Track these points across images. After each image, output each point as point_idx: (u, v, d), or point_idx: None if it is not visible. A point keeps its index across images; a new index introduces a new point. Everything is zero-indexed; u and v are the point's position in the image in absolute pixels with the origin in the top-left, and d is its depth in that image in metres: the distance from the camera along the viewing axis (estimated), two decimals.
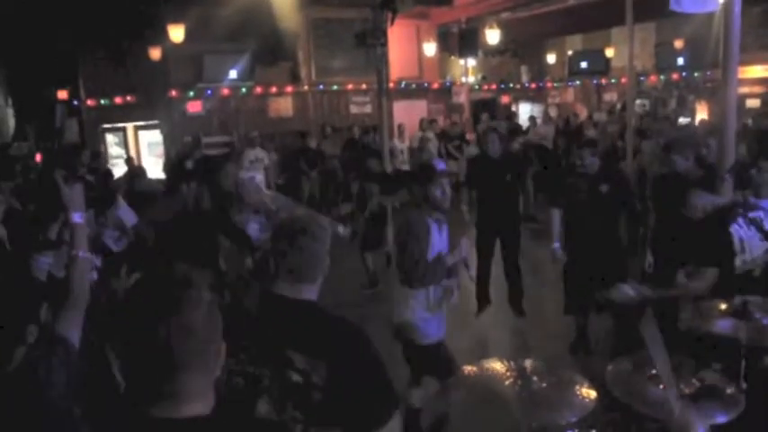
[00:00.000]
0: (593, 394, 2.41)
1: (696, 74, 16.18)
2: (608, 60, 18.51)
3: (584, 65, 19.04)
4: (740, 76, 13.67)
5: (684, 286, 3.69)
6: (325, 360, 1.94)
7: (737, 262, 3.80)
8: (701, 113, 15.24)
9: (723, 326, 3.05)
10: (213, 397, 1.43)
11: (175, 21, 11.85)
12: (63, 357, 2.19)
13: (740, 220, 3.98)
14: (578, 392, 2.41)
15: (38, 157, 7.93)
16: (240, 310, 2.19)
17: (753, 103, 14.18)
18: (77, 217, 2.60)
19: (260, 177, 6.09)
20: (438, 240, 3.94)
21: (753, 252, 3.93)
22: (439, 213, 3.98)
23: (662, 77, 17.63)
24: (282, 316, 2.07)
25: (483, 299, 6.59)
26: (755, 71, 14.38)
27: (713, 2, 4.24)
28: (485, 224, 6.52)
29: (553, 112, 20.07)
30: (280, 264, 2.11)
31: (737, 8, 3.97)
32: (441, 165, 4.19)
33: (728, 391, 2.69)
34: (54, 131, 14.58)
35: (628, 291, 3.73)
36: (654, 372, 2.79)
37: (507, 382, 2.39)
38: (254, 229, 5.47)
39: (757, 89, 14.48)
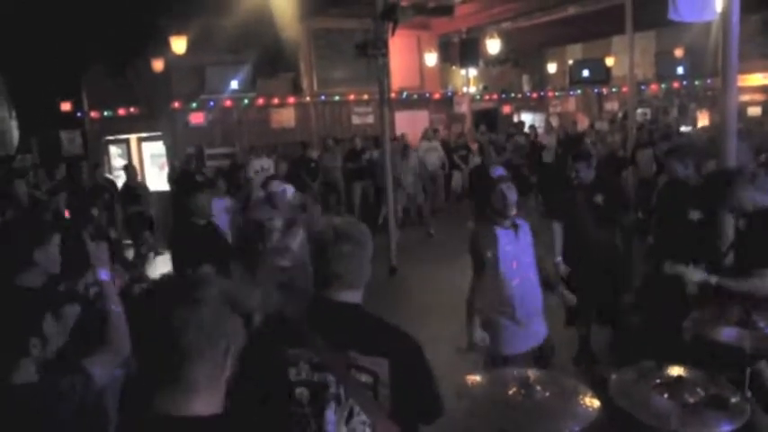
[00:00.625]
0: (596, 404, 2.40)
1: (697, 82, 16.22)
2: (608, 69, 18.56)
3: (584, 74, 19.10)
4: (740, 84, 13.72)
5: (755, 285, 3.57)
6: (387, 357, 1.96)
7: None
8: (703, 121, 15.26)
9: (728, 335, 3.04)
10: (222, 394, 1.48)
11: (178, 32, 11.91)
12: (78, 387, 2.22)
13: None
14: (582, 402, 2.41)
15: (66, 213, 7.91)
16: (285, 319, 2.19)
17: (754, 111, 14.20)
18: (104, 275, 2.73)
19: (291, 190, 6.10)
20: (513, 248, 3.86)
21: None
22: (511, 220, 3.89)
23: (663, 86, 17.66)
24: (336, 320, 2.07)
25: None
26: (756, 79, 14.40)
27: (711, 11, 4.25)
28: None
29: (555, 122, 20.15)
30: (325, 271, 2.12)
31: (735, 17, 3.98)
32: (498, 170, 4.05)
33: (733, 400, 2.69)
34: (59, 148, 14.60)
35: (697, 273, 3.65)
36: (658, 381, 2.80)
37: (511, 392, 2.39)
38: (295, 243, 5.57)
39: (758, 97, 14.50)
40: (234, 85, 13.96)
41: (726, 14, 4.04)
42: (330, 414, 1.93)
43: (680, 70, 16.77)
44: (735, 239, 3.98)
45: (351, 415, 1.93)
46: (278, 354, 2.00)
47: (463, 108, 17.77)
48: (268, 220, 5.82)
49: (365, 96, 15.31)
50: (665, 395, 2.69)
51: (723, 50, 4.16)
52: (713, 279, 3.51)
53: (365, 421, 1.95)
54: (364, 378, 1.96)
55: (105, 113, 14.34)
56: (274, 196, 5.90)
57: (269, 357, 2.00)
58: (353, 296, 2.14)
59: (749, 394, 2.98)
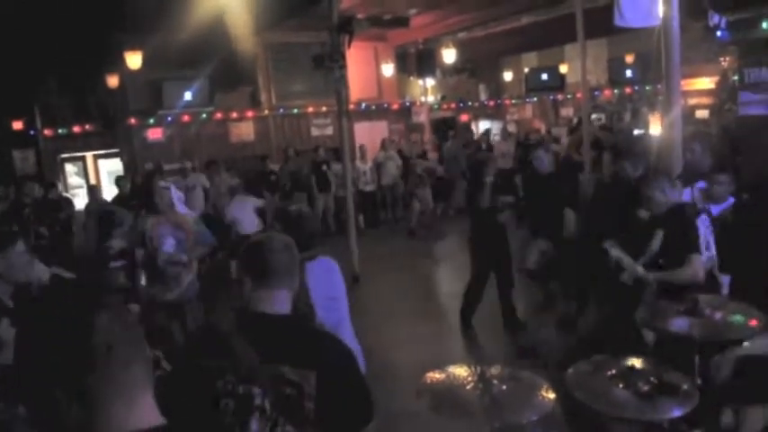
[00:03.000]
0: (552, 396, 2.48)
1: (647, 87, 16.66)
2: (563, 77, 18.94)
3: (540, 81, 19.47)
4: (688, 87, 14.19)
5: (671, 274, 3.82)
6: (314, 369, 2.00)
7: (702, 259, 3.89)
8: (655, 125, 15.65)
9: (678, 324, 3.16)
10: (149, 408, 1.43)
11: (132, 48, 11.81)
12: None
13: (703, 217, 4.08)
14: (538, 394, 2.49)
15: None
16: (217, 331, 2.21)
17: (702, 114, 14.63)
18: None
19: (179, 194, 5.89)
20: None
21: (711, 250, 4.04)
22: None
23: (615, 91, 18.10)
24: (265, 331, 2.10)
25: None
26: (703, 83, 14.85)
27: (654, 17, 4.42)
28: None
29: (512, 129, 20.48)
30: (249, 276, 2.16)
31: (675, 23, 4.16)
32: None
33: (684, 387, 2.80)
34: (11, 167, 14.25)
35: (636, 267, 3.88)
36: (613, 372, 2.89)
37: (469, 387, 2.46)
38: (170, 244, 5.30)
39: (705, 100, 14.95)
40: (191, 99, 13.89)
41: (666, 20, 4.21)
42: (254, 426, 1.98)
43: (631, 75, 17.21)
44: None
45: (275, 425, 1.98)
46: (206, 366, 2.03)
47: (422, 118, 17.93)
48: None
49: (324, 108, 15.36)
50: (620, 385, 2.79)
51: (665, 55, 4.34)
52: (650, 276, 3.75)
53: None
54: (289, 390, 2.00)
55: (60, 131, 14.09)
56: (157, 193, 5.52)
57: (197, 369, 2.01)
58: (281, 307, 2.16)
59: (699, 381, 3.10)
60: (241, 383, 1.98)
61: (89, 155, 14.88)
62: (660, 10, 4.35)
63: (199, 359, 2.01)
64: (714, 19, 6.11)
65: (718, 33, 6.66)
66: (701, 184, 4.59)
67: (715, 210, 4.44)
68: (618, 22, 4.35)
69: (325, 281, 3.11)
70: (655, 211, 3.97)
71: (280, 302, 2.16)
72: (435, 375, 2.60)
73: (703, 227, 3.99)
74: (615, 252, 3.81)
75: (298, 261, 2.23)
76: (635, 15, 4.32)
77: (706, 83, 14.78)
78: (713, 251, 4.01)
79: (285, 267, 2.17)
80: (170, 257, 5.24)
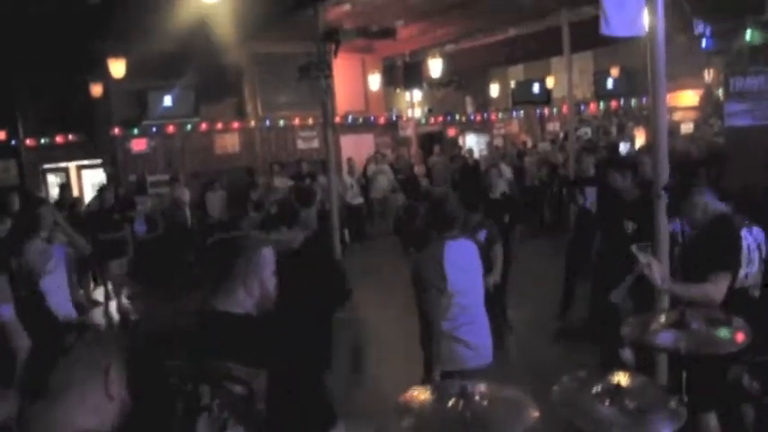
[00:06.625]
0: (535, 413, 2.40)
1: (633, 101, 16.74)
2: (549, 90, 19.01)
3: (526, 95, 19.52)
4: (673, 103, 14.28)
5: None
6: (264, 369, 1.97)
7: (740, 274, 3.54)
8: (640, 139, 15.73)
9: (664, 338, 3.07)
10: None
11: (116, 55, 11.67)
12: None
13: (754, 230, 3.63)
14: (521, 410, 2.41)
15: None
16: (164, 331, 2.22)
17: (687, 128, 14.72)
18: (5, 310, 2.67)
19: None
20: None
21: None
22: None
23: (601, 105, 18.18)
24: (218, 329, 2.08)
25: None
26: (687, 97, 14.96)
27: (640, 27, 4.39)
28: None
29: (498, 143, 20.53)
30: (210, 278, 2.19)
31: (661, 32, 4.12)
32: None
33: (671, 404, 2.71)
34: None
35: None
36: (599, 389, 2.80)
37: (450, 404, 2.37)
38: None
39: (690, 114, 15.04)
40: (176, 110, 13.77)
41: (652, 30, 4.18)
42: (202, 425, 1.93)
43: (617, 89, 17.29)
44: (681, 248, 4.04)
45: (224, 427, 1.93)
46: (157, 365, 2.00)
47: (408, 132, 17.92)
48: None
49: (310, 120, 15.31)
50: (606, 402, 2.70)
51: (651, 68, 4.27)
52: (665, 286, 3.48)
53: None
54: (239, 390, 1.96)
55: (42, 141, 13.92)
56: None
57: (149, 369, 1.99)
58: (236, 306, 2.16)
59: (686, 398, 3.02)
60: (189, 381, 1.96)
61: (72, 165, 14.72)
62: (645, 19, 4.32)
63: (151, 357, 1.99)
64: (699, 28, 6.10)
65: (704, 42, 6.68)
66: None
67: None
68: (604, 30, 4.31)
69: (461, 257, 3.71)
70: (696, 219, 3.70)
71: (233, 301, 2.15)
72: (415, 393, 2.51)
73: (750, 239, 3.58)
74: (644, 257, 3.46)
75: (258, 264, 2.21)
76: (621, 25, 4.28)
77: (691, 96, 14.88)
78: (755, 268, 3.59)
79: (241, 269, 2.19)
80: None
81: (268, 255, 2.25)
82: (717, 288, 3.40)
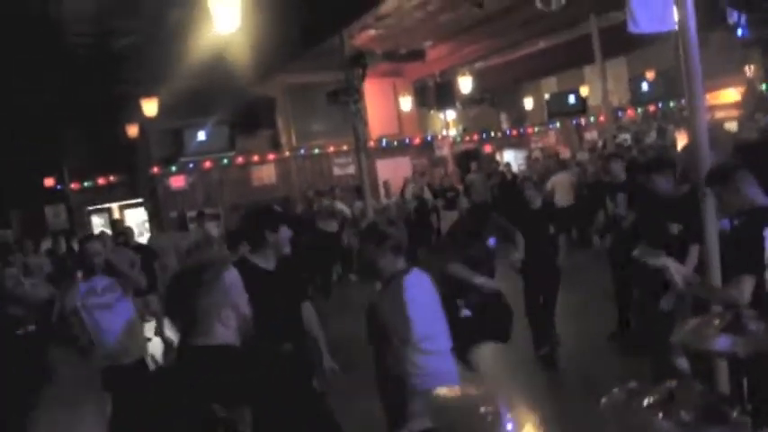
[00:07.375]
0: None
1: (672, 103, 16.34)
2: (584, 99, 18.72)
3: (562, 106, 19.26)
4: (714, 101, 13.86)
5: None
6: (247, 403, 1.89)
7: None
8: (682, 142, 15.31)
9: (722, 343, 2.86)
10: None
11: (147, 95, 11.91)
12: None
13: None
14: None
15: None
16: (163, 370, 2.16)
17: (731, 126, 14.27)
18: None
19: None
20: None
21: None
22: None
23: (639, 110, 17.79)
24: (196, 367, 2.00)
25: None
26: (729, 94, 14.53)
27: (669, 21, 4.21)
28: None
29: (538, 155, 20.23)
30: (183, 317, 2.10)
31: (692, 25, 3.91)
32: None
33: (734, 414, 2.51)
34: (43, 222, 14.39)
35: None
36: (651, 400, 2.62)
37: (482, 410, 2.23)
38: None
39: (733, 113, 14.59)
40: (212, 145, 13.97)
41: (682, 23, 3.98)
42: None
43: (653, 93, 16.91)
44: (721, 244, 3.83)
45: None
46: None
47: (444, 151, 17.82)
48: None
49: (345, 147, 15.33)
50: (660, 415, 2.52)
51: (685, 66, 4.03)
52: (688, 288, 3.32)
53: None
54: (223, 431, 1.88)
55: (85, 184, 14.28)
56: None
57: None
58: (212, 339, 2.05)
59: (749, 406, 2.80)
60: (174, 426, 1.89)
61: (115, 206, 15.02)
62: (675, 13, 4.14)
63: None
64: (733, 17, 5.84)
65: (739, 31, 6.41)
66: None
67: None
68: (632, 28, 4.16)
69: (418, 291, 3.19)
70: (731, 205, 3.45)
71: (210, 334, 2.04)
72: (447, 391, 2.37)
73: None
74: (654, 260, 3.27)
75: (224, 291, 2.09)
76: (649, 20, 4.12)
77: (732, 94, 14.46)
78: None
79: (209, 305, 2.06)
80: None
81: (231, 276, 2.14)
82: (740, 291, 3.21)
